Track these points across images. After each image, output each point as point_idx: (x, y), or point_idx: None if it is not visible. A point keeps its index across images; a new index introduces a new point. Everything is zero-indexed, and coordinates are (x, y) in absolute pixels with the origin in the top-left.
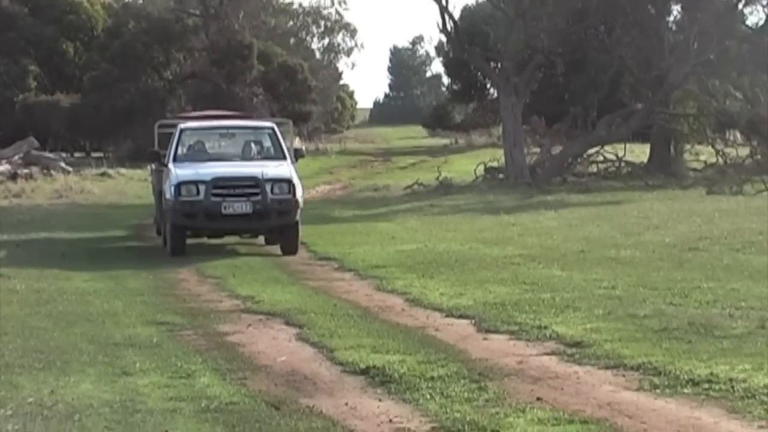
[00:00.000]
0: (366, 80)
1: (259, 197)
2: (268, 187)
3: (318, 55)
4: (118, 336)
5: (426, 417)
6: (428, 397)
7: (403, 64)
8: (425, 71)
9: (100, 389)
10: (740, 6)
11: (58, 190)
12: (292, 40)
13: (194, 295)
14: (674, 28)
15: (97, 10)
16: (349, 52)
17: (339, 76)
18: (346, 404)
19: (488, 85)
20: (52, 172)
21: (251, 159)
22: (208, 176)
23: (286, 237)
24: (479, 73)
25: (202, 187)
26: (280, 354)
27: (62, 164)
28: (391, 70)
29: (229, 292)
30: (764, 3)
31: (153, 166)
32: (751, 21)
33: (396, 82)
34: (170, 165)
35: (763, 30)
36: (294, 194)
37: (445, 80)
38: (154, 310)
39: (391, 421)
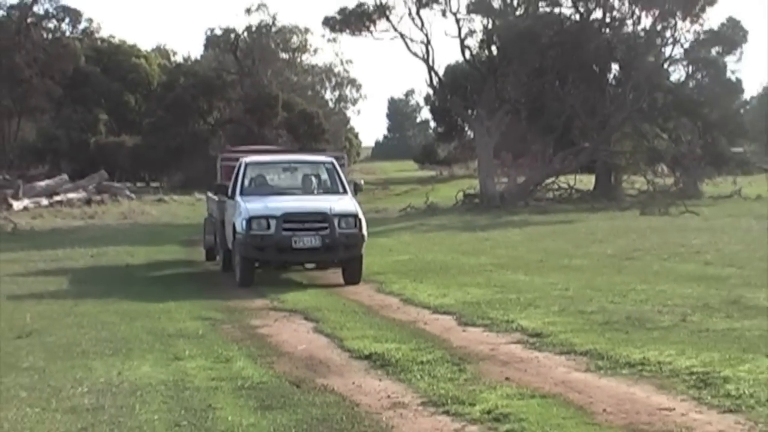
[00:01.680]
0: (369, 124)
1: (327, 231)
2: (335, 222)
3: (330, 104)
4: (171, 329)
5: (417, 393)
6: (419, 377)
7: (398, 111)
8: (416, 117)
9: (157, 371)
10: (666, 65)
11: (123, 212)
12: (309, 93)
13: (231, 296)
14: (614, 83)
15: (154, 69)
16: (355, 102)
17: (347, 120)
18: (353, 383)
19: (466, 128)
20: (119, 198)
21: (312, 192)
22: (279, 211)
23: (350, 268)
24: (459, 119)
25: (272, 222)
26: (300, 343)
27: (127, 192)
28: (389, 116)
29: (259, 294)
30: (684, 63)
31: (214, 196)
32: (674, 77)
33: (393, 125)
34: (237, 198)
35: (684, 84)
36: (360, 228)
37: (432, 124)
38: (200, 308)
39: (389, 396)
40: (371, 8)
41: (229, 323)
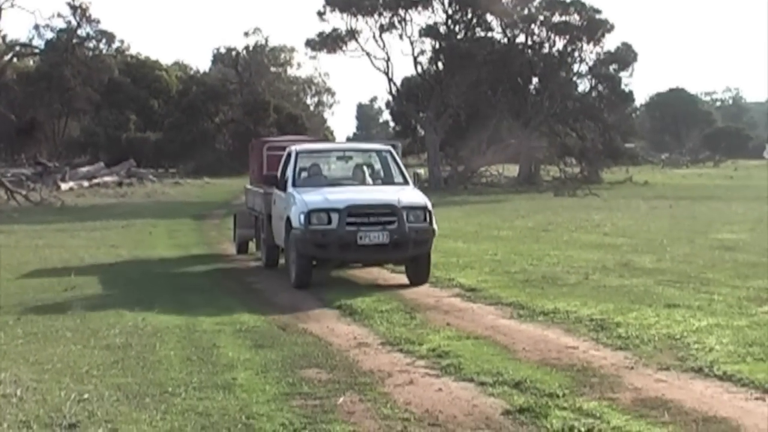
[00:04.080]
0: (341, 124)
1: (395, 225)
2: (404, 215)
3: (311, 108)
4: (185, 284)
5: (377, 335)
6: (379, 323)
7: (365, 113)
8: (379, 118)
9: (173, 318)
10: (574, 79)
11: (147, 192)
12: (294, 99)
13: (232, 259)
14: (534, 92)
15: (173, 79)
16: (330, 106)
17: (324, 121)
18: (327, 327)
19: (418, 127)
20: (144, 181)
21: (371, 183)
22: (341, 203)
23: (417, 267)
24: (413, 120)
25: (334, 216)
26: (286, 295)
27: (150, 177)
28: (357, 117)
29: (254, 258)
30: (589, 77)
31: (256, 188)
32: (581, 88)
33: (360, 125)
34: (290, 190)
35: (588, 94)
36: (430, 222)
37: (391, 124)
38: (207, 269)
39: (355, 338)
40: (343, 32)
41: (231, 280)
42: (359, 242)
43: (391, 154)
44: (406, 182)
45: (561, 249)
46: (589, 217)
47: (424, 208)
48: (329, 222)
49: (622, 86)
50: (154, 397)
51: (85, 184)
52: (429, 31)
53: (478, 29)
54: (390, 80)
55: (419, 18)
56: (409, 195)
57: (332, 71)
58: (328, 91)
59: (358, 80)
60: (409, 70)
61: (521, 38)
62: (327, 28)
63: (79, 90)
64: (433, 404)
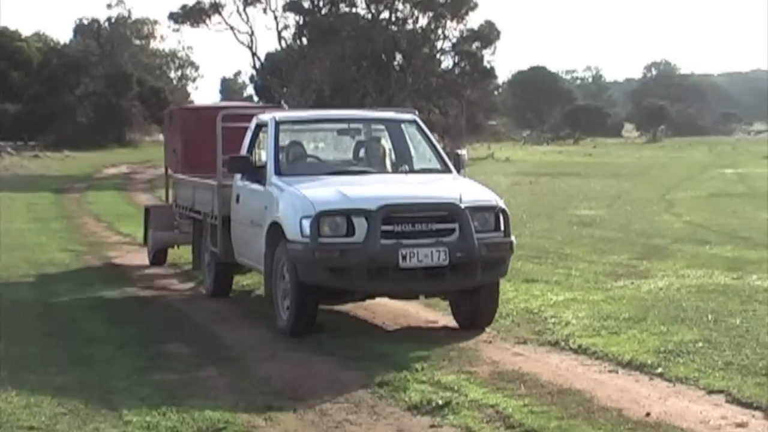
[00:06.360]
0: (205, 98)
1: (455, 237)
2: (470, 221)
3: (174, 81)
4: (44, 258)
5: (239, 310)
6: (241, 299)
7: (229, 88)
8: (243, 93)
9: (32, 291)
10: (438, 56)
11: (5, 165)
12: (157, 72)
13: (92, 232)
14: (398, 68)
15: (33, 51)
16: (194, 80)
17: (188, 95)
18: (189, 301)
19: (282, 102)
20: (2, 154)
21: (393, 171)
22: (371, 202)
23: (481, 301)
24: (277, 95)
25: (359, 222)
26: (147, 269)
27: (9, 149)
28: (221, 92)
29: (115, 231)
30: (452, 54)
31: (198, 179)
32: (444, 65)
33: (224, 99)
34: (276, 180)
35: (452, 71)
36: (507, 232)
37: (255, 99)
38: (67, 242)
39: (218, 312)
40: (207, 6)
41: (90, 254)
42: (402, 264)
43: (418, 125)
44: (446, 168)
45: None
46: None
47: (495, 209)
48: (350, 232)
49: (485, 63)
50: (10, 373)
51: None
52: (293, 5)
53: (342, 5)
54: (254, 54)
55: None
56: (471, 189)
57: (196, 45)
58: (192, 64)
59: (222, 54)
60: (273, 45)
61: (385, 14)
62: (190, 2)
63: None
64: (293, 378)
